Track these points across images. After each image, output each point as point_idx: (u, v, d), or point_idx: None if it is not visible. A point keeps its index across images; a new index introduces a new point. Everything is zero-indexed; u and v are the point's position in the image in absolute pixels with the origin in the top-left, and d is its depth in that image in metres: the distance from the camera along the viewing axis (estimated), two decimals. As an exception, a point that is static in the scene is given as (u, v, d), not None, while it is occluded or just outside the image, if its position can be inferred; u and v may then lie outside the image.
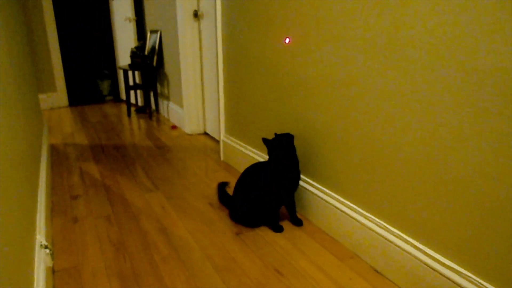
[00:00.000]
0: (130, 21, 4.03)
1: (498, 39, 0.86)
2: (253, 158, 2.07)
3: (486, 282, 0.97)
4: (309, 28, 1.49)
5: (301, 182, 1.68)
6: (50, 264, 1.27)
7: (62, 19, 4.34)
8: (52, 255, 1.31)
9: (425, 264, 1.12)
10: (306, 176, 1.67)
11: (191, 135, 3.12)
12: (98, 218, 1.70)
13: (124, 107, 4.38)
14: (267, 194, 1.55)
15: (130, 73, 4.31)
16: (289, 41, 1.26)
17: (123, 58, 4.42)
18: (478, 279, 0.99)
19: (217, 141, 2.92)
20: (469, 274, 1.01)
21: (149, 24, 3.81)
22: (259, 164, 1.63)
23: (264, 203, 1.56)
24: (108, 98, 4.91)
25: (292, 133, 1.71)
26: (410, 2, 1.06)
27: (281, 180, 1.54)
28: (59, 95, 4.41)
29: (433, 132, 1.05)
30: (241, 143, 2.23)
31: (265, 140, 1.60)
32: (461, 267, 1.03)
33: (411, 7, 1.06)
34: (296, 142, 1.69)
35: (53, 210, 1.79)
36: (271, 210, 1.58)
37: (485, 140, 0.93)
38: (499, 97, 0.88)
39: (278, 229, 1.57)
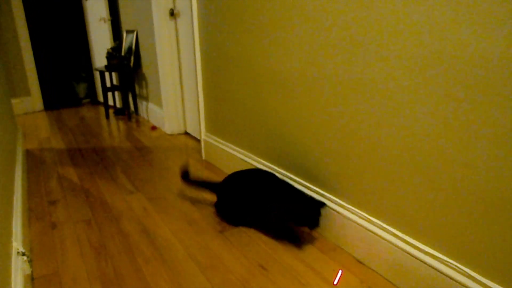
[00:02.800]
0: (105, 21, 3.95)
1: (481, 30, 0.89)
2: (235, 156, 2.07)
3: (467, 267, 1.00)
4: (285, 24, 1.49)
5: (282, 177, 1.69)
6: (28, 271, 1.23)
7: (34, 20, 4.22)
8: (30, 262, 1.28)
9: (406, 252, 1.14)
10: (287, 171, 1.68)
11: (171, 135, 3.09)
12: (78, 222, 1.67)
13: (102, 109, 4.30)
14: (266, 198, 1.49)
15: (107, 74, 4.23)
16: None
17: (99, 59, 4.33)
18: (458, 264, 1.02)
19: (198, 140, 2.90)
20: (449, 260, 1.04)
21: (125, 24, 3.74)
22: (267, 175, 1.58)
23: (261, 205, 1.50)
24: (85, 101, 4.81)
25: (272, 129, 1.72)
26: (381, -5, 1.07)
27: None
28: (33, 99, 4.28)
29: (412, 123, 1.08)
30: (223, 141, 2.22)
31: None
32: (441, 253, 1.06)
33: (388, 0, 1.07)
34: (277, 138, 1.69)
35: (31, 217, 1.74)
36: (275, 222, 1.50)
37: (463, 128, 0.95)
38: (476, 87, 0.90)
39: (296, 240, 1.47)
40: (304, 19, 1.39)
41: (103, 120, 3.73)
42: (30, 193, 2.01)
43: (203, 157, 2.47)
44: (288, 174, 1.66)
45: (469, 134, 0.93)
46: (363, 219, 1.30)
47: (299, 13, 1.41)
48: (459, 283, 1.00)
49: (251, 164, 1.91)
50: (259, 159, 1.87)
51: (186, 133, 3.12)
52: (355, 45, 1.19)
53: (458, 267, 1.01)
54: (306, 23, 1.38)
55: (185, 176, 1.81)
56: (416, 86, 1.03)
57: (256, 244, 1.46)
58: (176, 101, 3.05)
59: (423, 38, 0.99)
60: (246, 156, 1.98)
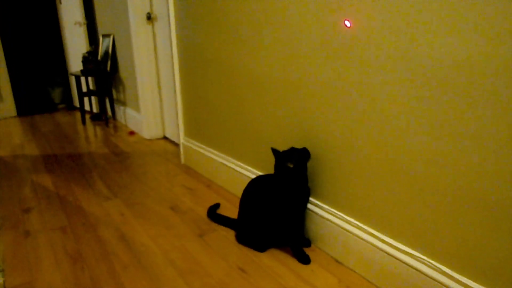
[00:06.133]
0: (80, 25, 3.88)
1: (453, 35, 0.92)
2: (213, 159, 2.06)
3: (445, 266, 1.03)
4: (262, 28, 1.51)
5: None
6: (0, 282, 1.19)
7: (6, 24, 4.10)
8: (2, 272, 1.24)
9: (384, 251, 1.17)
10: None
11: (150, 140, 3.05)
12: (53, 230, 1.63)
13: (78, 115, 4.21)
14: (278, 210, 1.36)
15: (83, 79, 4.14)
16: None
17: (75, 64, 4.24)
18: (436, 263, 1.05)
19: (177, 145, 2.88)
20: (427, 259, 1.06)
21: (101, 28, 3.69)
22: (262, 178, 1.45)
23: (277, 221, 1.38)
24: (61, 106, 4.69)
25: (250, 132, 1.73)
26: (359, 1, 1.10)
27: (291, 194, 1.35)
28: (5, 105, 4.15)
29: (387, 125, 1.10)
30: (201, 145, 2.21)
31: (274, 151, 1.40)
32: (419, 252, 1.09)
33: (362, 5, 1.10)
34: (255, 141, 1.71)
35: (3, 225, 1.68)
36: (288, 229, 1.38)
37: (436, 130, 0.98)
38: (456, 90, 0.94)
39: (306, 260, 1.35)
40: (282, 23, 1.41)
41: (80, 126, 3.66)
42: (2, 201, 1.94)
43: (182, 162, 2.46)
44: (267, 176, 1.67)
45: (445, 135, 0.96)
46: (340, 218, 1.32)
47: (276, 16, 1.42)
48: (438, 281, 1.03)
49: (230, 168, 1.91)
50: (238, 162, 1.87)
51: (165, 138, 3.09)
52: (334, 49, 1.22)
53: (436, 266, 1.04)
54: (284, 27, 1.40)
55: (212, 211, 1.70)
56: (399, 91, 1.06)
57: (236, 247, 1.46)
58: (154, 106, 3.02)
59: (396, 46, 1.02)
60: (225, 159, 1.98)
